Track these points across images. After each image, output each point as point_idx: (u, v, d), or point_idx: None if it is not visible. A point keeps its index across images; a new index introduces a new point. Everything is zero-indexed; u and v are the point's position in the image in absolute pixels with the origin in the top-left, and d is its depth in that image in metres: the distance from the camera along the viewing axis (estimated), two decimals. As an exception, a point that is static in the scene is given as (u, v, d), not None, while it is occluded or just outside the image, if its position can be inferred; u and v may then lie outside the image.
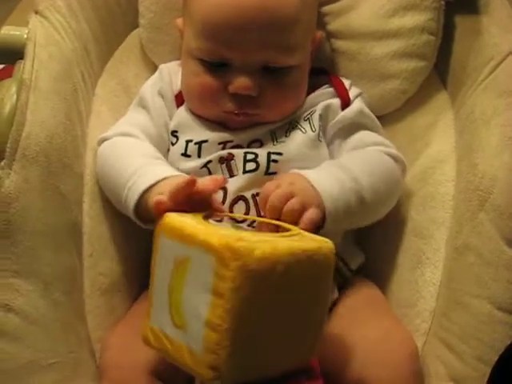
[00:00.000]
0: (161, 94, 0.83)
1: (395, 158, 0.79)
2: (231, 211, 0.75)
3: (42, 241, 0.71)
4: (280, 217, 0.67)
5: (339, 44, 0.89)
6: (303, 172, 0.73)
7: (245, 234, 0.59)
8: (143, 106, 0.83)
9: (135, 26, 0.91)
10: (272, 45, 0.74)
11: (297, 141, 0.78)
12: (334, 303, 0.77)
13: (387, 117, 0.89)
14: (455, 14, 0.87)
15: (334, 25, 0.89)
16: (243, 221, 0.74)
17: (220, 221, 0.73)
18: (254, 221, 0.74)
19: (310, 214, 0.67)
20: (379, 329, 0.72)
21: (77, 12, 0.84)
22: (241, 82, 0.75)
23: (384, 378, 0.67)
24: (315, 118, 0.80)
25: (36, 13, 0.79)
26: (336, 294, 0.77)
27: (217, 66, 0.76)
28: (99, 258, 0.79)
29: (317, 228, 0.68)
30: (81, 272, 0.77)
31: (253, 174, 0.76)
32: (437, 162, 0.85)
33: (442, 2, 0.85)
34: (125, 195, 0.73)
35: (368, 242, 0.86)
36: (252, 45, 0.74)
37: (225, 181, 0.70)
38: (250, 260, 0.55)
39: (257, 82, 0.75)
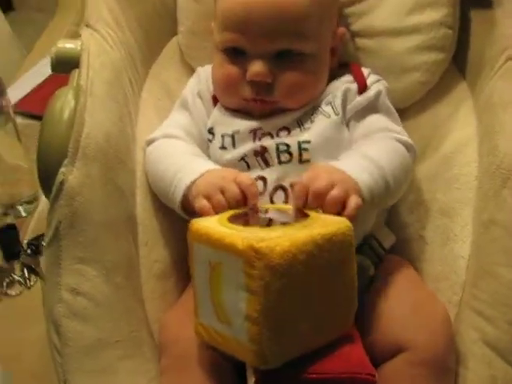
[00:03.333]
0: (200, 96, 0.90)
1: (407, 146, 0.84)
2: (271, 200, 0.81)
3: (103, 230, 0.78)
4: (322, 206, 0.72)
5: (363, 42, 0.95)
6: (336, 163, 0.78)
7: (265, 233, 0.64)
8: (185, 107, 0.90)
9: (174, 33, 0.99)
10: (284, 34, 0.80)
11: (322, 126, 0.84)
12: (372, 279, 0.82)
13: (411, 109, 0.95)
14: (471, 8, 0.93)
15: (357, 25, 0.95)
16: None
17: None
18: None
19: (355, 201, 0.72)
20: (415, 298, 0.78)
21: (122, 23, 0.92)
22: (255, 69, 0.81)
23: (420, 341, 0.73)
24: (337, 102, 0.85)
25: (87, 26, 0.87)
26: (372, 271, 0.83)
27: (236, 55, 0.83)
28: (153, 246, 0.85)
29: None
30: (137, 259, 0.84)
31: (288, 164, 0.82)
32: (460, 145, 0.90)
33: (458, -2, 0.91)
34: (172, 192, 0.80)
35: (398, 223, 0.92)
36: (265, 34, 0.80)
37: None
38: (273, 256, 0.61)
39: (271, 68, 0.81)
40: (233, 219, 0.70)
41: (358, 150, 0.83)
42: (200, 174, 0.78)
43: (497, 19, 0.90)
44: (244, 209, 0.75)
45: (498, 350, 0.76)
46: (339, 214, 0.72)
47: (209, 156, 0.87)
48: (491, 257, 0.80)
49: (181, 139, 0.87)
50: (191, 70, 0.97)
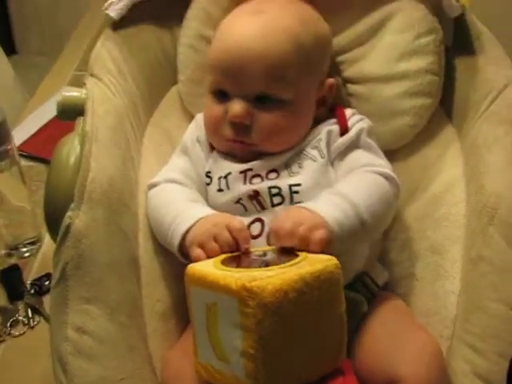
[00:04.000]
0: (198, 141, 0.94)
1: (388, 178, 0.85)
2: (268, 241, 0.84)
3: (108, 271, 0.81)
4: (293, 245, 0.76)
5: (354, 88, 0.99)
6: (303, 205, 0.81)
7: (257, 273, 0.68)
8: (185, 152, 0.95)
9: (175, 82, 1.04)
10: (263, 79, 0.85)
11: (310, 169, 0.87)
12: (365, 315, 0.86)
13: (400, 152, 0.99)
14: (455, 55, 0.98)
15: (348, 72, 1.00)
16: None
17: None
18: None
19: (319, 234, 0.75)
20: (406, 332, 0.81)
21: (125, 72, 0.96)
22: (234, 109, 0.86)
23: (411, 373, 0.75)
24: (322, 145, 0.89)
25: (91, 75, 0.92)
26: (365, 307, 0.86)
27: (221, 97, 0.88)
28: (155, 287, 0.88)
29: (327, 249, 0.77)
30: (140, 298, 0.87)
31: (281, 206, 0.86)
32: (448, 186, 0.94)
33: (443, 47, 0.96)
34: (170, 237, 0.84)
35: (390, 260, 0.95)
36: (245, 78, 0.85)
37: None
38: (265, 295, 0.65)
39: (250, 110, 0.86)
40: (227, 262, 0.75)
41: (334, 188, 0.86)
42: (194, 222, 0.82)
43: (480, 66, 0.95)
44: (238, 252, 0.79)
45: (490, 382, 0.78)
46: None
47: (207, 200, 0.91)
48: (480, 292, 0.82)
49: (181, 184, 0.91)
50: (191, 117, 1.01)
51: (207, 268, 0.73)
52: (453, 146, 0.97)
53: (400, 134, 0.98)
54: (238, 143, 0.88)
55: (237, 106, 0.86)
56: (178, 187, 0.90)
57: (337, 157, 0.90)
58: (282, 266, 0.71)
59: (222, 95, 0.89)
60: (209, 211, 0.85)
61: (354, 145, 0.90)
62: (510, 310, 0.79)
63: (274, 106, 0.87)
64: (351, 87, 1.00)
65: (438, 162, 0.97)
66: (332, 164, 0.90)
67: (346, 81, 1.01)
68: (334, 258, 0.72)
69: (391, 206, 0.87)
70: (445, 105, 1.00)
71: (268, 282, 0.66)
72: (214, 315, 0.70)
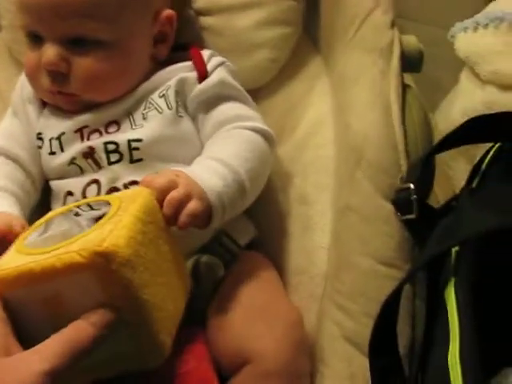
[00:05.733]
0: (29, 100, 0.82)
1: (263, 134, 0.77)
2: None
3: None
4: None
5: (206, 20, 0.87)
6: (185, 169, 0.70)
7: (93, 235, 0.56)
8: (15, 113, 0.83)
9: (-1, 28, 0.89)
10: (74, 16, 0.72)
11: (154, 123, 0.76)
12: (221, 280, 0.76)
13: (264, 89, 0.88)
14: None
15: (199, 2, 0.88)
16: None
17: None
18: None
19: (193, 205, 0.65)
20: (262, 302, 0.71)
21: None
22: (46, 56, 0.74)
23: (263, 351, 0.67)
24: (171, 93, 0.78)
25: None
26: (222, 272, 0.76)
27: (35, 42, 0.75)
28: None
29: (202, 225, 0.68)
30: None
31: (118, 164, 0.75)
32: (316, 126, 0.85)
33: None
34: None
35: (260, 215, 0.85)
36: (56, 17, 0.72)
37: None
38: (123, 250, 0.55)
39: (66, 56, 0.74)
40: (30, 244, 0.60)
41: (209, 151, 0.75)
42: None
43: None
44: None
45: (358, 346, 0.71)
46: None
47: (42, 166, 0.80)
48: (348, 245, 0.75)
49: (5, 155, 0.79)
50: (22, 67, 0.87)
51: (19, 259, 0.58)
52: (320, 80, 0.88)
53: (260, 69, 0.87)
54: (58, 94, 0.76)
55: (49, 52, 0.74)
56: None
57: (198, 108, 0.79)
58: (108, 217, 0.59)
59: (35, 39, 0.76)
60: None
61: (218, 95, 0.79)
62: (378, 264, 0.73)
63: (91, 49, 0.74)
64: (203, 19, 0.88)
65: (304, 98, 0.88)
66: (194, 117, 0.79)
67: (198, 12, 0.88)
68: (143, 188, 0.64)
69: (268, 165, 0.78)
70: (311, 34, 0.90)
71: (116, 235, 0.55)
72: (60, 305, 0.57)
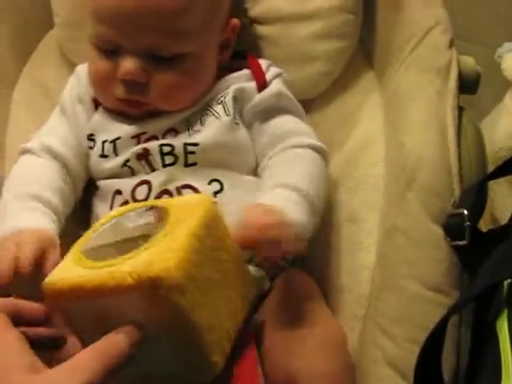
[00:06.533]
0: (79, 100, 0.81)
1: (319, 151, 0.77)
2: None
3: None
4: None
5: (262, 29, 0.87)
6: (266, 200, 0.70)
7: (146, 254, 0.55)
8: (64, 113, 0.82)
9: (51, 26, 0.89)
10: (160, 31, 0.72)
11: (211, 128, 0.76)
12: (266, 294, 0.74)
13: (316, 101, 0.88)
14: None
15: (254, 11, 0.87)
16: None
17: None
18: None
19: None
20: (308, 319, 0.69)
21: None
22: (126, 67, 0.73)
23: (306, 371, 0.65)
24: (229, 100, 0.78)
25: None
26: (267, 285, 0.75)
27: (109, 51, 0.75)
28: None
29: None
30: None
31: (173, 167, 0.75)
32: (366, 142, 0.84)
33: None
34: None
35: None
36: (139, 29, 0.72)
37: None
38: (173, 274, 0.53)
39: (144, 67, 0.73)
40: (89, 252, 0.59)
41: (281, 180, 0.74)
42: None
43: (404, 3, 0.83)
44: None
45: (401, 371, 0.69)
46: None
47: (89, 164, 0.79)
48: (394, 268, 0.74)
49: (55, 158, 0.78)
50: (71, 66, 0.87)
51: (72, 272, 0.57)
52: (372, 96, 0.86)
53: (313, 81, 0.86)
54: (131, 103, 0.76)
55: (129, 63, 0.73)
56: (44, 169, 0.77)
57: (255, 118, 0.79)
58: (163, 232, 0.57)
59: (110, 49, 0.75)
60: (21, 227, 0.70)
61: (274, 106, 0.79)
62: (425, 289, 0.71)
63: (172, 61, 0.74)
64: (259, 28, 0.87)
65: (355, 113, 0.86)
66: (250, 126, 0.79)
67: (253, 21, 0.87)
68: (202, 195, 0.64)
69: (326, 181, 0.78)
70: (366, 48, 0.88)
71: (167, 258, 0.54)
72: (107, 319, 0.56)
